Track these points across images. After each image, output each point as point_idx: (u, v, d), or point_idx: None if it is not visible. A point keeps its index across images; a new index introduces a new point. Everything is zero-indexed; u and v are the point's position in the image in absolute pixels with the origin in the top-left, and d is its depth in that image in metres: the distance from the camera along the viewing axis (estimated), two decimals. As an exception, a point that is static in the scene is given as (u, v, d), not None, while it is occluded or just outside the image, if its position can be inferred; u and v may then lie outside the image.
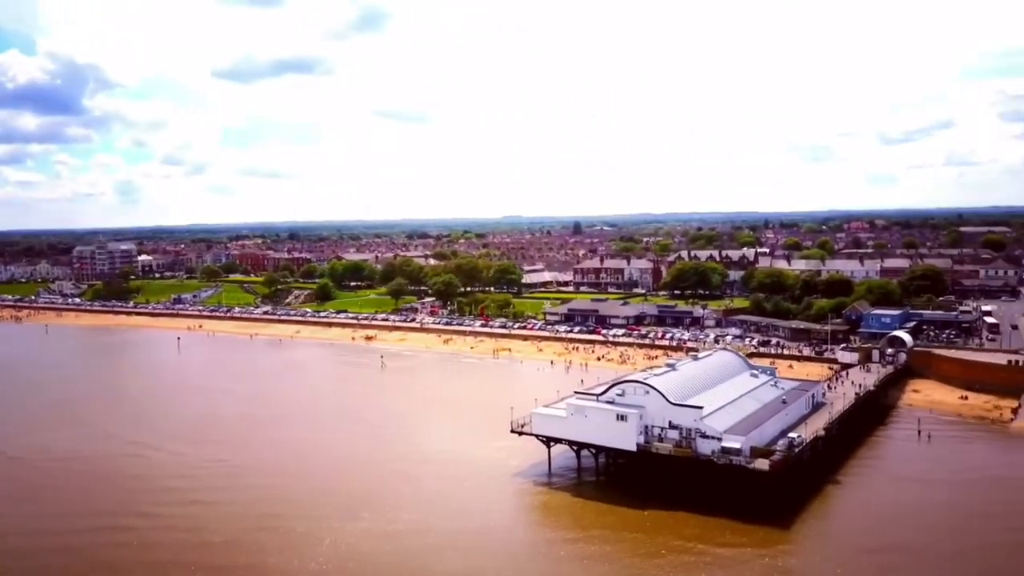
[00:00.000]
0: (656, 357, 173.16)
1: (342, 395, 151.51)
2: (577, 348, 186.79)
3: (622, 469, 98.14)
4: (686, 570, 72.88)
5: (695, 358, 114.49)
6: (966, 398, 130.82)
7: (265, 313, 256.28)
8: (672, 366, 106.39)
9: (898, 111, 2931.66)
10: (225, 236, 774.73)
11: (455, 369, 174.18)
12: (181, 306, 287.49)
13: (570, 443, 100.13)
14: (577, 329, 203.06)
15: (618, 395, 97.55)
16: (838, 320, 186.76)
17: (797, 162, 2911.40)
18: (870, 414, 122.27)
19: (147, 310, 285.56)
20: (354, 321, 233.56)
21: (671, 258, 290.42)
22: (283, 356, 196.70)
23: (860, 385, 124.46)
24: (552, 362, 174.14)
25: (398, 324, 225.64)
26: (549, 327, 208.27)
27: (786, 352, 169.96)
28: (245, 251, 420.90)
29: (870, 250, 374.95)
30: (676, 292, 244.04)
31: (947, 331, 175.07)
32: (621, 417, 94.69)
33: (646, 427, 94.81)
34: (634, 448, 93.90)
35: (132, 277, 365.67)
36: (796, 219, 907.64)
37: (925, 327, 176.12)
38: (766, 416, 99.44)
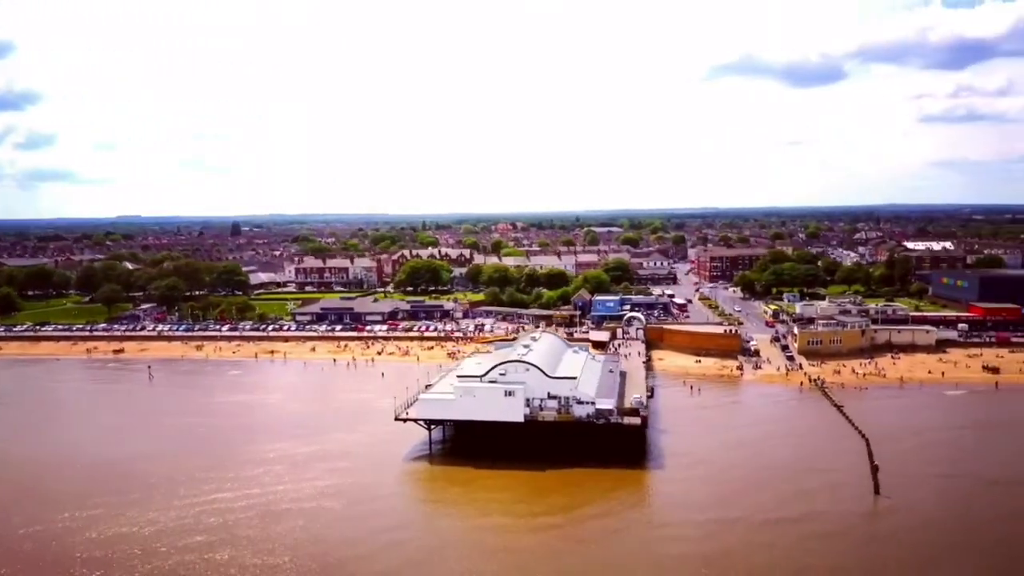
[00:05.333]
0: (431, 348, 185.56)
1: (134, 408, 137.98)
2: (347, 346, 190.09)
3: (507, 440, 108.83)
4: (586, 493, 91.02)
5: (534, 339, 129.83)
6: (699, 361, 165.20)
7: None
8: (528, 347, 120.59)
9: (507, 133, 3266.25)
10: None
11: (241, 374, 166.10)
12: None
13: (458, 423, 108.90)
14: (339, 328, 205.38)
15: (500, 375, 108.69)
16: (567, 306, 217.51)
17: (426, 168, 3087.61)
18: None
19: None
20: (71, 333, 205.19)
21: (395, 256, 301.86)
22: (12, 374, 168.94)
23: (640, 354, 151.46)
24: (335, 360, 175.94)
25: (131, 334, 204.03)
26: (309, 327, 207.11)
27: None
28: None
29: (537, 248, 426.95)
30: (409, 288, 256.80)
31: (653, 311, 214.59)
32: (509, 393, 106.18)
33: (527, 400, 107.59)
34: (522, 419, 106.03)
35: None
36: (442, 221, 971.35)
37: (635, 308, 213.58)
38: (611, 383, 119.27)
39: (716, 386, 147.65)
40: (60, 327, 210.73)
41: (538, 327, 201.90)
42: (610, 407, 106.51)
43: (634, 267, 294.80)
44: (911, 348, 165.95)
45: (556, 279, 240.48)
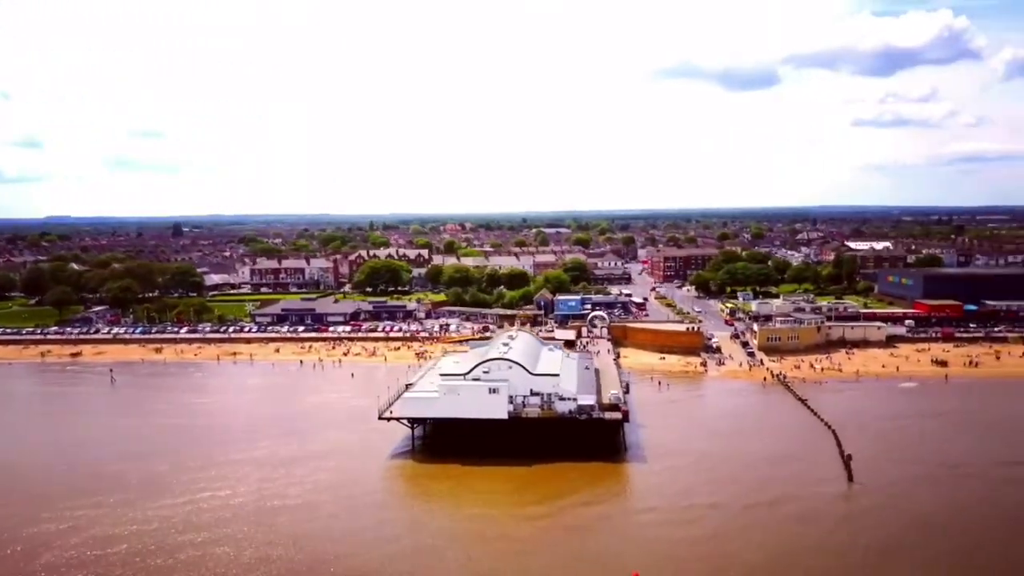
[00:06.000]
0: (398, 348, 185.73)
1: (105, 411, 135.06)
2: (312, 347, 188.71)
3: (491, 438, 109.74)
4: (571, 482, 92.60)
5: (511, 338, 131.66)
6: (664, 358, 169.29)
7: None
8: (507, 345, 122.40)
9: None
10: None
11: (208, 376, 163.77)
12: None
13: (443, 421, 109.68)
14: (302, 329, 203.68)
15: (484, 372, 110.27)
16: (530, 306, 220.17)
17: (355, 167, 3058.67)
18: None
19: None
20: (21, 337, 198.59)
21: (352, 257, 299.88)
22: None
23: (609, 351, 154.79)
24: (301, 362, 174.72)
25: (85, 337, 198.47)
26: (271, 328, 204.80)
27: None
28: None
29: (490, 249, 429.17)
30: (369, 289, 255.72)
31: (613, 310, 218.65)
32: (493, 390, 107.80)
33: (511, 397, 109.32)
34: (506, 416, 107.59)
35: None
36: (386, 221, 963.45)
37: (596, 308, 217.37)
38: (588, 379, 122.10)
39: (682, 382, 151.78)
40: (8, 331, 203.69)
41: (502, 327, 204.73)
42: (591, 403, 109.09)
43: (590, 267, 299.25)
44: (863, 343, 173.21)
45: (517, 279, 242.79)
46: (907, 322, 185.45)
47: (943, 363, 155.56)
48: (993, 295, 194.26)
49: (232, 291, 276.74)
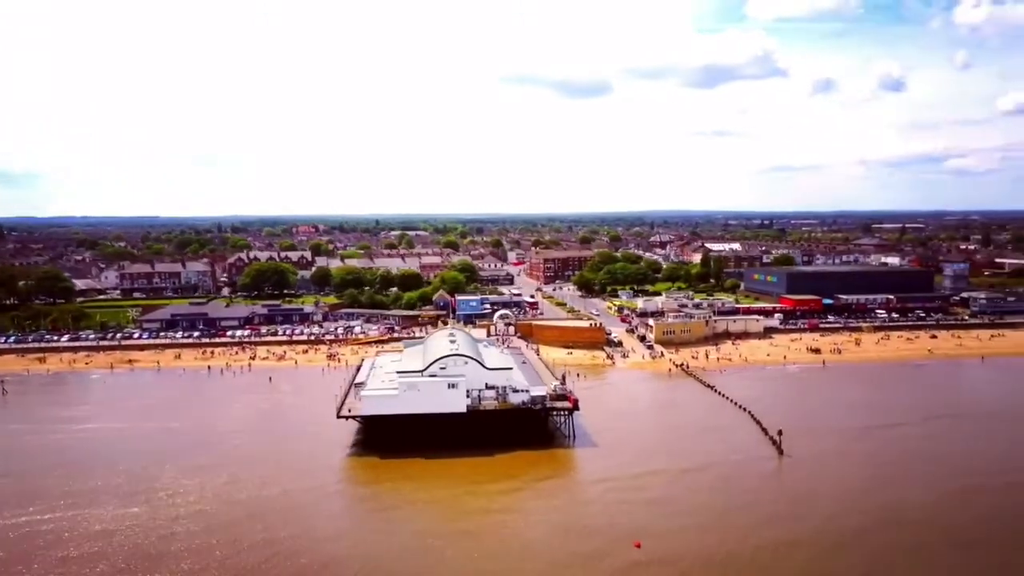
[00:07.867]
0: (307, 351, 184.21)
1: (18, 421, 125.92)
2: (213, 352, 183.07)
3: (448, 432, 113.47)
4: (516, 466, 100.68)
5: (453, 335, 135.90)
6: (571, 353, 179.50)
7: None
8: (454, 342, 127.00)
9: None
10: None
11: (112, 385, 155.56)
12: None
13: (403, 417, 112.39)
14: (197, 334, 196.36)
15: (441, 369, 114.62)
16: (429, 307, 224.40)
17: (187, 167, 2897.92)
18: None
19: None
20: None
21: (231, 260, 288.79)
22: None
23: (528, 347, 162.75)
24: (209, 367, 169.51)
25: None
26: (164, 334, 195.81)
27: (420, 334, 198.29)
28: None
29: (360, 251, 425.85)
30: (255, 292, 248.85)
31: (510, 309, 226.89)
32: (452, 385, 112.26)
33: (467, 391, 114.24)
34: (464, 410, 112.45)
35: None
36: (228, 223, 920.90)
37: (495, 307, 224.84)
38: (531, 372, 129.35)
39: (593, 374, 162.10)
40: None
41: (407, 328, 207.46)
42: (542, 393, 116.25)
43: (476, 269, 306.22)
44: (744, 335, 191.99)
45: (411, 280, 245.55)
46: (776, 315, 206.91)
47: (817, 351, 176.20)
48: (843, 290, 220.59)
49: (100, 297, 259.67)
